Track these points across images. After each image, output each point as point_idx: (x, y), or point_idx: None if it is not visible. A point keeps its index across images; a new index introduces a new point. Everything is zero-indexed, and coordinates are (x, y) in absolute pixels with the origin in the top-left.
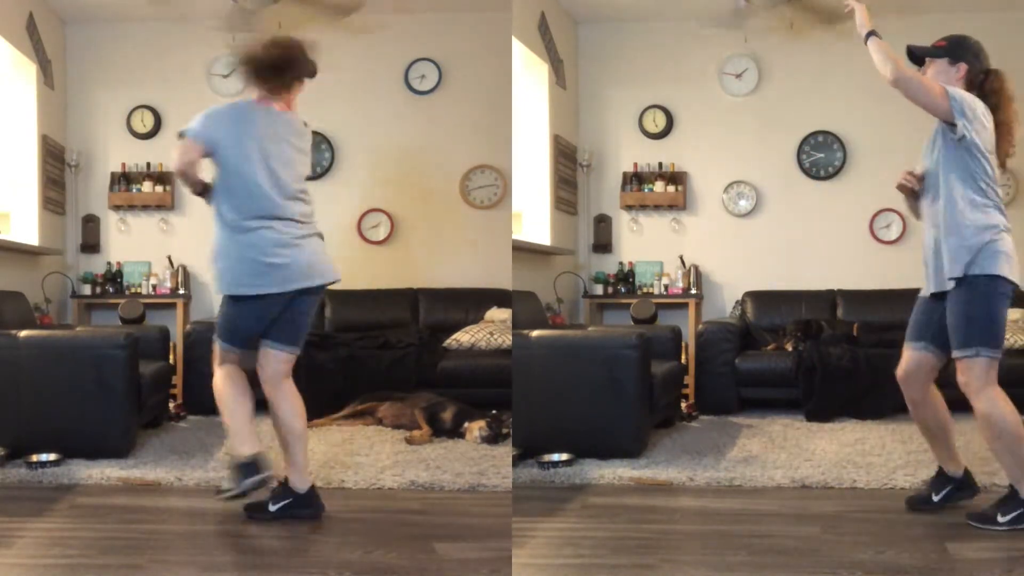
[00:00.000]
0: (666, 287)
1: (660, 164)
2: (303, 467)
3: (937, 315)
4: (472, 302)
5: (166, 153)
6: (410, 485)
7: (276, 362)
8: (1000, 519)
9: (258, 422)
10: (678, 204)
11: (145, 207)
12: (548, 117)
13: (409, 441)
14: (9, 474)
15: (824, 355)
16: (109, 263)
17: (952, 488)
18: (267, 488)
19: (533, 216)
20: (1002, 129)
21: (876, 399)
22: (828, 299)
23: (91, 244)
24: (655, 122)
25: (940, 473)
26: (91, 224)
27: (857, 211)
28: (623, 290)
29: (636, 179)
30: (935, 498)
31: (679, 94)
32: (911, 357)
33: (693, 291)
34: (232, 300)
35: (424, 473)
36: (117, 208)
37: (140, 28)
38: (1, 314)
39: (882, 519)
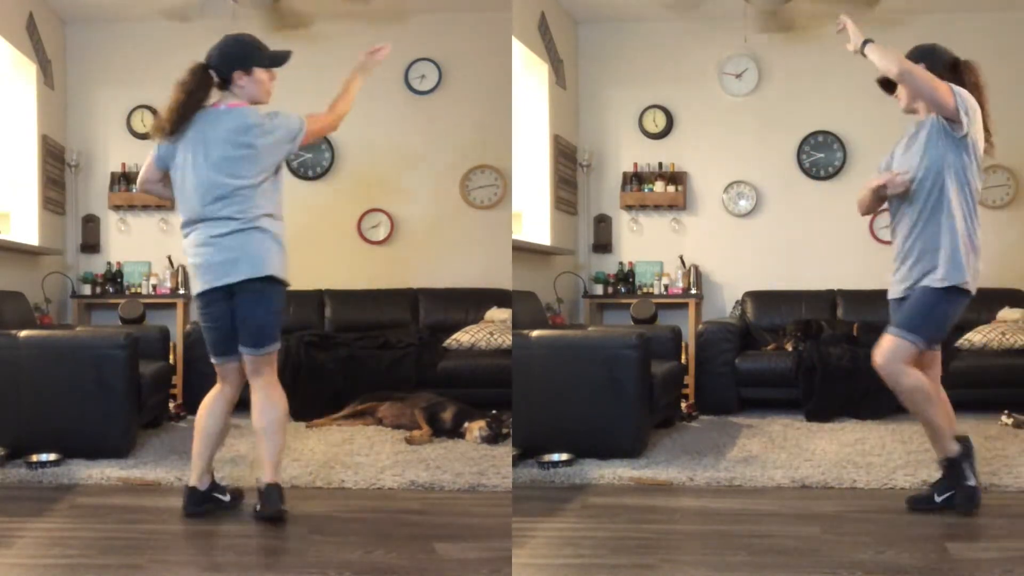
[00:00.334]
0: (666, 287)
1: (660, 164)
2: (266, 463)
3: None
4: (472, 302)
5: None
6: (410, 485)
7: (246, 362)
8: (936, 499)
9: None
10: (678, 204)
11: (145, 207)
12: (548, 117)
13: (409, 441)
14: (9, 474)
15: (824, 355)
16: (109, 263)
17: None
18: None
19: (533, 216)
20: (984, 122)
21: (876, 399)
22: (828, 299)
23: (91, 244)
24: (655, 122)
25: (944, 475)
26: (91, 224)
27: (857, 211)
28: (623, 290)
29: (636, 179)
30: (937, 499)
31: (679, 94)
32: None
33: (693, 291)
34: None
35: (424, 473)
36: (117, 208)
37: (140, 28)
38: (1, 314)
39: (882, 519)
